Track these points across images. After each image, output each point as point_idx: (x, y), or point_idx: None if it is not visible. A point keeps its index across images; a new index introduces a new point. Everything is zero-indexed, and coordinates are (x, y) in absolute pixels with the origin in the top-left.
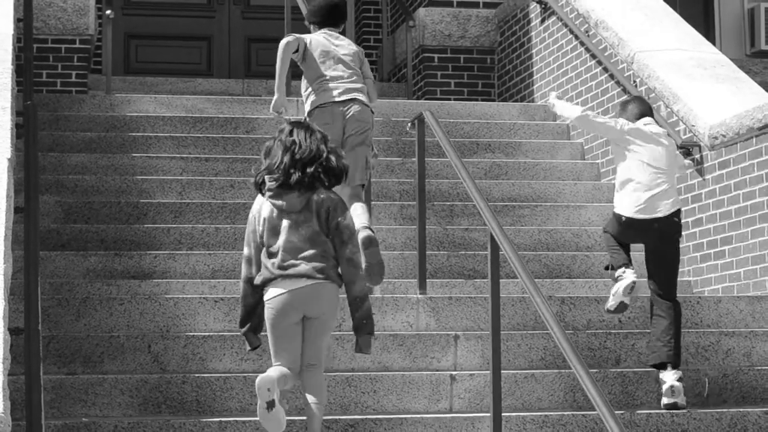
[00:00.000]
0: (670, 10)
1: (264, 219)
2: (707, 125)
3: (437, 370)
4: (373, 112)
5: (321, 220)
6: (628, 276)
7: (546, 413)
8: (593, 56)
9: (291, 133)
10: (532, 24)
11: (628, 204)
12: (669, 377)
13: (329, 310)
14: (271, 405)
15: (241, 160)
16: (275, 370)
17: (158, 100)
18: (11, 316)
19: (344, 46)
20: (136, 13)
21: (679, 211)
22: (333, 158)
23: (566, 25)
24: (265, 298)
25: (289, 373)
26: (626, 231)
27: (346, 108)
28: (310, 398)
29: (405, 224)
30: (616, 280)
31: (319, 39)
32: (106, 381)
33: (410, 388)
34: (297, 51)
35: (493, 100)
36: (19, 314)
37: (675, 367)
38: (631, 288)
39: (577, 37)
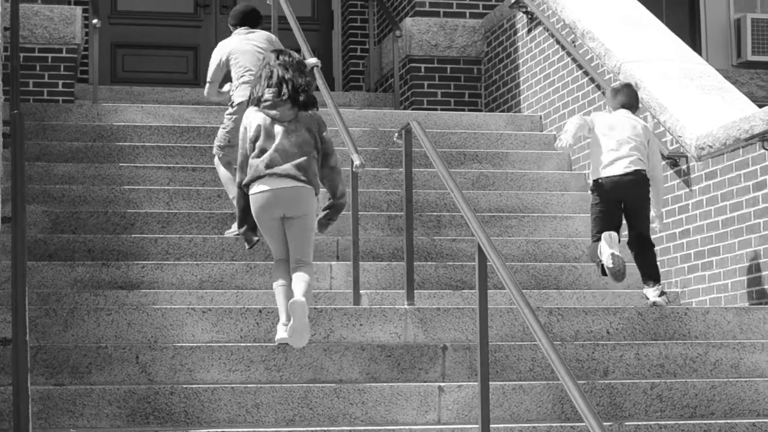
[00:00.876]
0: (657, 20)
1: (258, 125)
2: (694, 136)
3: (425, 382)
4: None
5: (312, 131)
6: (604, 240)
7: (534, 425)
8: (580, 66)
9: (278, 57)
10: (518, 34)
11: (609, 169)
12: (651, 293)
13: (308, 210)
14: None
15: None
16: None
17: (145, 110)
18: None
19: (257, 39)
20: (123, 22)
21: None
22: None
23: (553, 36)
24: (251, 192)
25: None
26: (605, 191)
27: None
28: (297, 288)
29: (392, 234)
30: (600, 256)
31: (233, 43)
32: (94, 392)
33: (398, 400)
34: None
35: (480, 111)
36: (6, 324)
37: (657, 282)
38: (610, 236)
39: (563, 48)
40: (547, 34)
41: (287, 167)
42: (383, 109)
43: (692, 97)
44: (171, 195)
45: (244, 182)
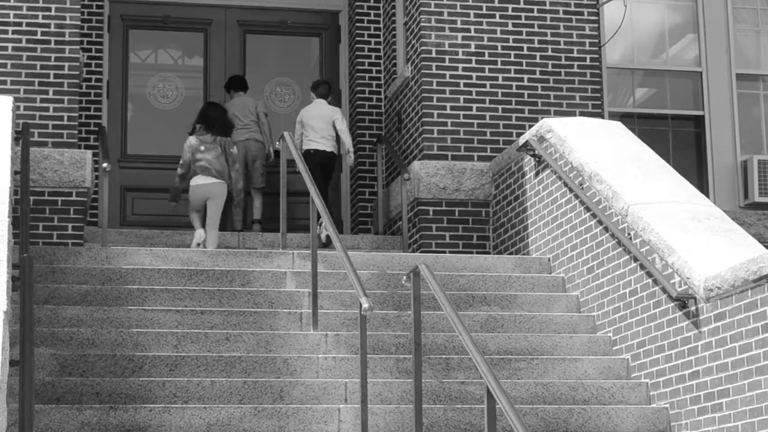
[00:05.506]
0: (664, 162)
1: (193, 146)
2: (702, 277)
3: None
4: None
5: (222, 149)
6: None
7: None
8: (587, 209)
9: (208, 107)
10: (526, 177)
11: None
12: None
13: (221, 196)
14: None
15: (237, 313)
16: (199, 233)
17: (154, 253)
18: None
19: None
20: (133, 165)
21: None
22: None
23: (560, 178)
24: (191, 183)
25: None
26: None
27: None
28: (209, 241)
29: (401, 377)
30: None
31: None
32: None
33: None
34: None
35: (489, 253)
36: None
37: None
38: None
39: (571, 190)
40: (554, 176)
41: (212, 170)
42: (391, 251)
43: (700, 239)
44: (179, 338)
45: (188, 176)
